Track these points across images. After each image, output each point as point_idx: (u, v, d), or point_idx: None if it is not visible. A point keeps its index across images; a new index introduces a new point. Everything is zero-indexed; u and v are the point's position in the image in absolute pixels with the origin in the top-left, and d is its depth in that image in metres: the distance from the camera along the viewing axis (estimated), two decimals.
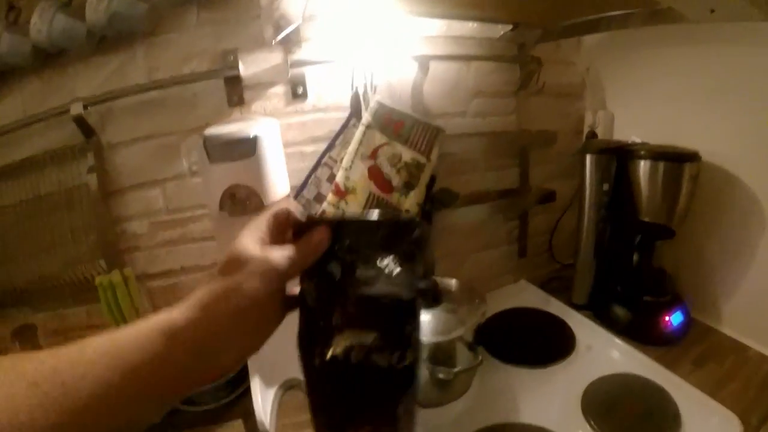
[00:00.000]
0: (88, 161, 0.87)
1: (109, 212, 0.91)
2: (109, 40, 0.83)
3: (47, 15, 0.76)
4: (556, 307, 1.14)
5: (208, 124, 0.78)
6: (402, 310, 0.39)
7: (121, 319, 0.87)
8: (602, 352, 0.97)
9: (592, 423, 0.77)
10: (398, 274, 0.39)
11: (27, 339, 0.90)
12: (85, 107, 0.82)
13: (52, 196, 0.89)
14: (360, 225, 0.41)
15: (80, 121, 0.82)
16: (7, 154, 0.87)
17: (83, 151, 0.87)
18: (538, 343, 1.03)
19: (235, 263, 0.36)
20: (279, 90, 0.92)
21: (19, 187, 0.88)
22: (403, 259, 0.40)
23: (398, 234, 0.40)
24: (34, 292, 0.91)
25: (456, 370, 0.79)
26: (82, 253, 0.91)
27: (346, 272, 0.39)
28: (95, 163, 0.87)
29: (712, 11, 0.73)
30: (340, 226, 0.40)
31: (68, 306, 0.94)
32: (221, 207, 0.69)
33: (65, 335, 0.96)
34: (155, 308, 0.97)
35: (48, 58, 0.83)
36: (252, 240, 0.37)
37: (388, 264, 0.40)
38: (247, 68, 0.89)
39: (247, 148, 0.67)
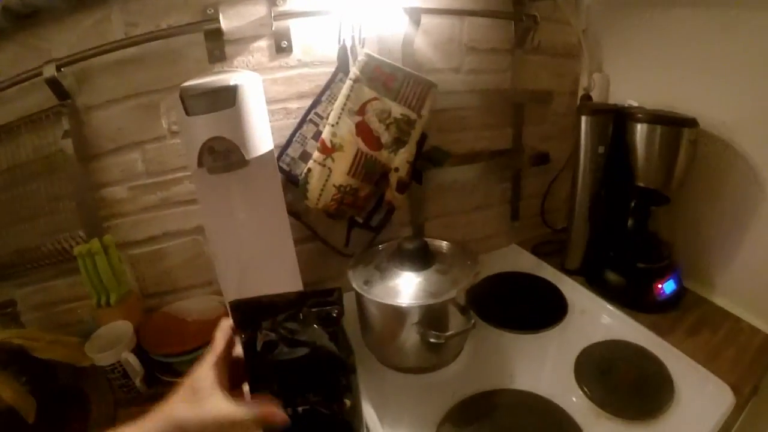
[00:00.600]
0: (63, 126, 0.83)
1: (88, 178, 0.87)
2: None
3: None
4: (548, 271, 1.14)
5: None
6: (334, 366, 0.48)
7: (102, 289, 0.85)
8: (595, 318, 0.97)
9: (585, 389, 0.77)
10: (324, 336, 0.47)
11: (7, 315, 0.88)
12: (58, 69, 0.77)
13: (29, 165, 0.85)
14: (285, 300, 0.48)
15: (54, 84, 0.78)
16: None
17: (58, 115, 0.83)
18: (530, 308, 1.03)
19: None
20: (263, 44, 0.88)
21: None
22: (327, 323, 0.48)
23: (320, 302, 0.49)
24: (14, 266, 0.88)
25: (448, 333, 0.77)
26: (61, 223, 0.88)
27: (281, 341, 0.46)
28: (71, 128, 0.83)
29: None
30: (269, 305, 0.47)
31: (50, 279, 0.92)
32: (200, 163, 0.65)
33: (47, 310, 0.93)
34: (138, 278, 0.95)
35: (21, 19, 0.77)
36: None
37: (315, 330, 0.47)
38: (229, 21, 0.84)
39: (226, 99, 0.63)
